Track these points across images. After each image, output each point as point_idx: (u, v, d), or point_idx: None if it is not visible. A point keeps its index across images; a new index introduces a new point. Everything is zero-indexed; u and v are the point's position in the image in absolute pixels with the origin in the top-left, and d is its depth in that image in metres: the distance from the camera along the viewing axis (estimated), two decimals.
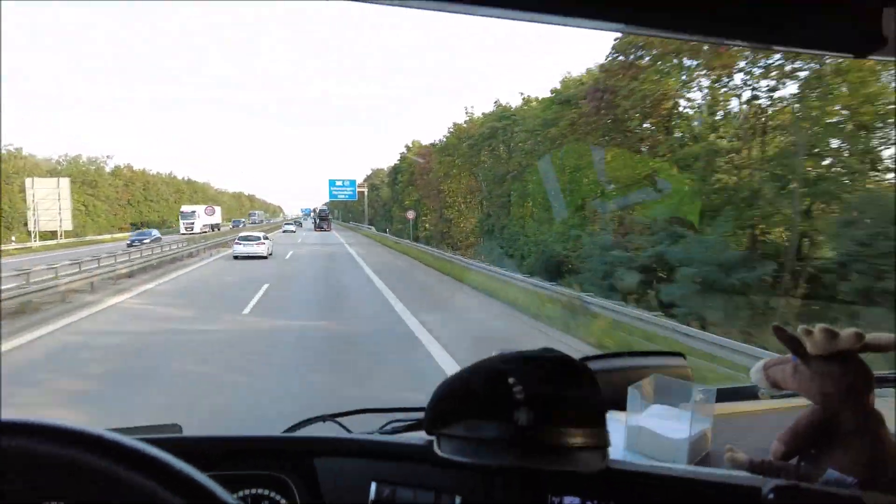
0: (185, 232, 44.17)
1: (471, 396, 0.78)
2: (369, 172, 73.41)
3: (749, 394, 1.25)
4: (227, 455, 0.90)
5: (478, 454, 0.76)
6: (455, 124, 28.53)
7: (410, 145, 43.80)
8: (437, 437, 0.83)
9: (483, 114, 25.66)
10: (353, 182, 58.73)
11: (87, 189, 49.54)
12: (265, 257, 22.22)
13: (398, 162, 45.29)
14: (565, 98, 17.64)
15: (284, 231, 52.60)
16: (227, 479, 0.51)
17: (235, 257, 22.18)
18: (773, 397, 1.11)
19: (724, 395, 1.17)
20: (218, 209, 57.14)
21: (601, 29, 0.61)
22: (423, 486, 0.83)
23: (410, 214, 31.70)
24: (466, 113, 28.75)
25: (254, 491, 0.87)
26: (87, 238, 40.23)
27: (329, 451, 0.91)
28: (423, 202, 37.38)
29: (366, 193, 65.44)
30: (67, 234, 39.86)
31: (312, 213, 78.77)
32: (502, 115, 22.73)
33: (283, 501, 0.88)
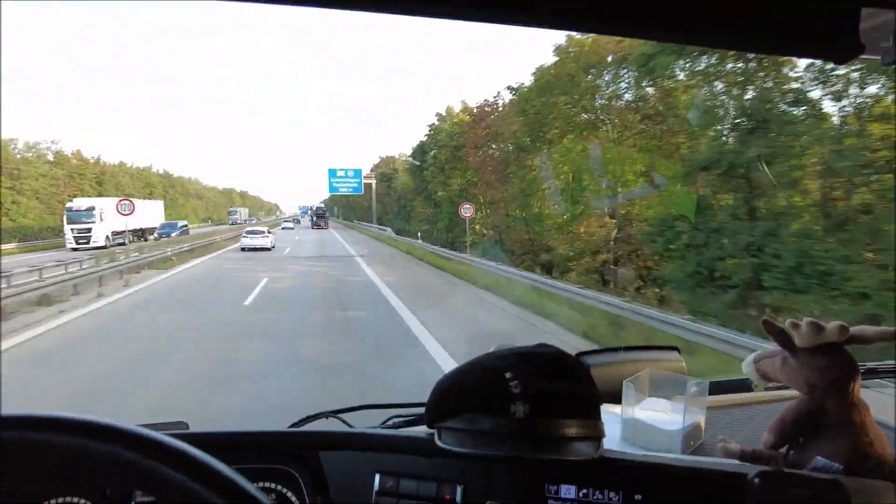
0: (76, 245, 27.01)
1: (469, 392, 0.79)
2: (377, 161, 61.22)
3: (742, 386, 1.25)
4: (234, 450, 0.91)
5: (477, 445, 0.77)
6: (569, 39, 15.88)
7: (444, 113, 31.47)
8: (438, 431, 0.83)
9: None
10: (357, 172, 48.33)
11: (6, 181, 37.11)
12: (269, 249, 24.08)
13: (426, 138, 32.98)
14: None
15: (283, 228, 52.34)
16: None
17: (243, 249, 23.95)
18: (766, 389, 1.15)
19: (717, 388, 1.20)
20: (153, 205, 39.18)
21: (568, 30, 0.65)
22: (425, 477, 0.85)
23: (467, 211, 19.11)
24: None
25: (261, 484, 0.88)
26: None
27: (334, 444, 0.92)
28: (470, 192, 25.15)
29: (374, 186, 53.69)
30: None
31: (310, 212, 72.06)
32: None
33: (289, 494, 0.88)
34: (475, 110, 23.63)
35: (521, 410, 0.74)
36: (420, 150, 33.60)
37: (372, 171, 56.86)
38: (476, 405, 0.78)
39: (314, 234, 43.57)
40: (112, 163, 54.28)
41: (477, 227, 25.98)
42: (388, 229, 36.60)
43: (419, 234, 25.14)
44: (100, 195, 48.95)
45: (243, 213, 77.54)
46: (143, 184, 59.18)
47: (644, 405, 1.01)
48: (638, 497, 0.81)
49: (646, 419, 0.96)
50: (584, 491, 0.82)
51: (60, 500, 0.80)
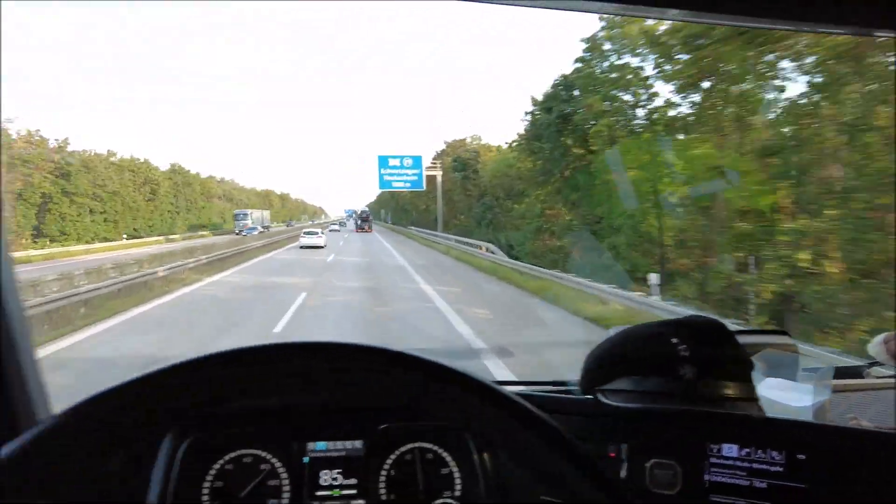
0: None
1: (633, 355, 0.83)
2: (443, 147, 45.52)
3: (853, 373, 1.22)
4: None
5: (646, 403, 0.80)
6: None
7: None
8: (601, 393, 0.86)
9: None
10: (417, 160, 35.08)
11: None
12: (322, 247, 27.13)
13: (572, 71, 16.81)
14: None
15: (331, 230, 54.50)
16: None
17: (302, 247, 27.17)
18: (878, 377, 1.16)
19: (836, 374, 1.16)
20: None
21: (621, 14, 0.85)
22: (590, 437, 0.86)
23: None
24: None
25: (415, 445, 0.87)
26: None
27: None
28: (792, 159, 8.83)
29: (438, 179, 38.34)
30: None
31: (355, 215, 69.04)
32: None
33: (446, 456, 0.86)
34: None
35: (690, 372, 0.77)
36: (561, 95, 17.32)
37: (435, 160, 41.25)
38: (642, 367, 0.80)
39: (358, 251, 28.19)
40: (94, 151, 40.78)
41: (806, 257, 9.53)
42: (489, 245, 20.51)
43: (653, 276, 8.97)
44: (63, 191, 35.59)
45: (260, 216, 55.15)
46: (141, 180, 45.75)
47: (766, 384, 1.00)
48: (801, 457, 0.79)
49: (773, 396, 0.95)
50: (747, 450, 0.81)
51: (245, 451, 0.78)
